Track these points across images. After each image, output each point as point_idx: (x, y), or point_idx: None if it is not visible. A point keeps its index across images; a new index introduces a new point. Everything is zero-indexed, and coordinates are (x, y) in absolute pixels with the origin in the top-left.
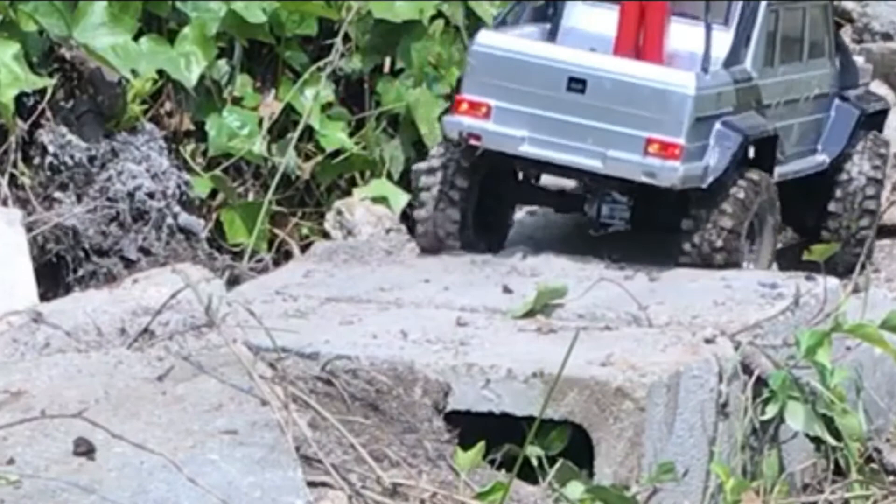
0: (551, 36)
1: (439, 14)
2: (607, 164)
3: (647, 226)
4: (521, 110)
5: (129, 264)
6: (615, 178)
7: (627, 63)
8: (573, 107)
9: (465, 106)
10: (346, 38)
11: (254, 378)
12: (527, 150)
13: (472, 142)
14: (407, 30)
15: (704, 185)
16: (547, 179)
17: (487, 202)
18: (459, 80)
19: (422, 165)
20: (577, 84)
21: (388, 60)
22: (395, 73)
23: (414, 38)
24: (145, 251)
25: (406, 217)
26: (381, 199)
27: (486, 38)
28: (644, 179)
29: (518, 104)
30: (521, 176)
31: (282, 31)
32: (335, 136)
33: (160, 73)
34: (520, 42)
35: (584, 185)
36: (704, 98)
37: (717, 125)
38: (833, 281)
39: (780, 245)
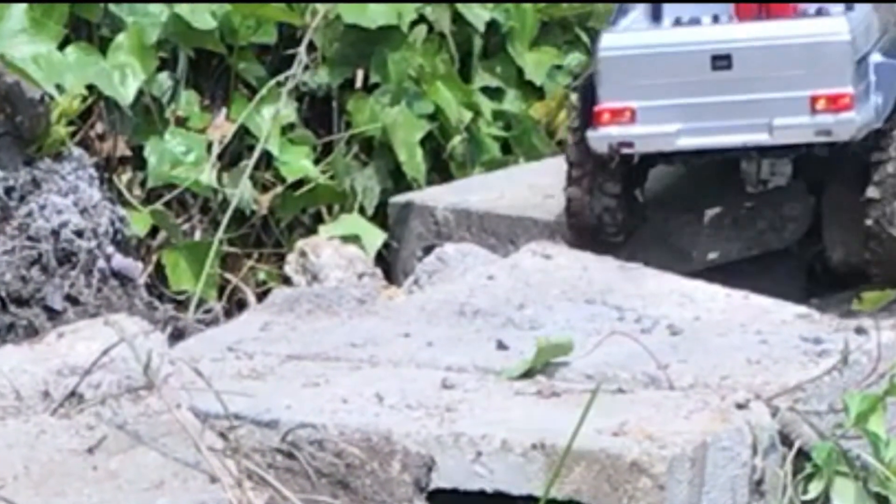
0: (656, 16)
1: (422, 19)
2: (775, 134)
3: (809, 181)
4: (668, 104)
5: (54, 315)
6: (785, 146)
7: (767, 25)
8: (723, 85)
9: (606, 116)
10: (311, 47)
11: (201, 450)
12: (685, 142)
13: (625, 150)
14: (383, 37)
15: (880, 125)
16: None
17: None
18: (586, 89)
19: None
20: (721, 61)
21: (360, 74)
22: (368, 89)
23: (391, 47)
24: (73, 300)
25: (381, 259)
26: (353, 238)
27: (612, 41)
28: (819, 139)
29: (663, 98)
30: None
31: (234, 39)
32: (298, 163)
33: (90, 88)
34: (648, 35)
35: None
36: (858, 37)
37: (873, 59)
38: (889, 335)
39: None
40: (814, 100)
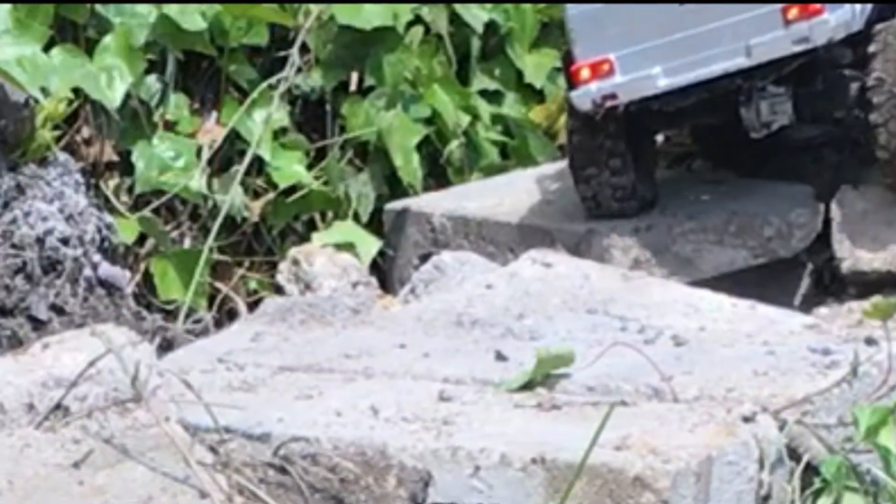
0: None
1: (418, 20)
2: (753, 54)
3: (813, 116)
4: (644, 48)
5: (39, 325)
6: (767, 66)
7: None
8: (694, 17)
9: (585, 72)
10: (304, 48)
11: (191, 464)
12: (667, 83)
13: (609, 103)
14: (378, 39)
15: (861, 26)
16: None
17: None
18: (565, 56)
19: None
20: None
21: (354, 76)
22: (363, 92)
23: (387, 48)
24: (58, 309)
25: (376, 267)
26: (347, 246)
27: None
28: (798, 48)
29: (638, 44)
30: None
31: (225, 40)
32: (290, 168)
33: (76, 91)
34: None
35: (735, 89)
36: None
37: None
38: None
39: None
40: (785, 10)
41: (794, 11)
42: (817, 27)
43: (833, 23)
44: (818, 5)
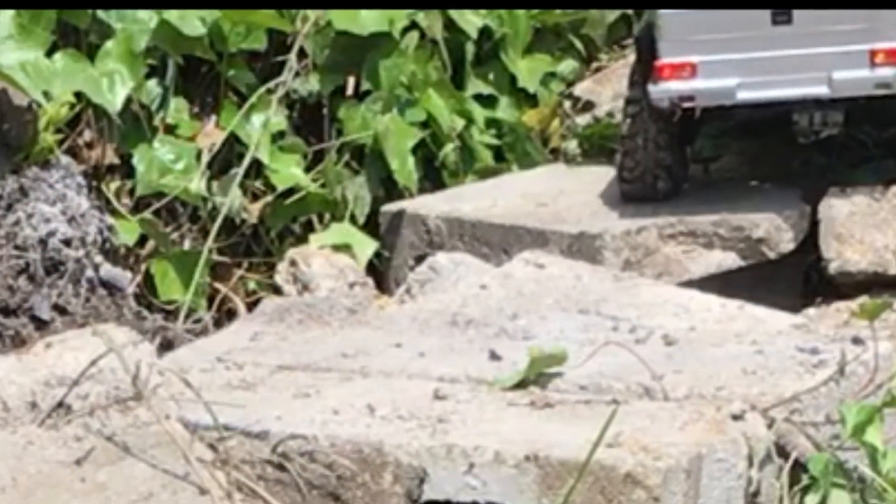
0: None
1: (413, 25)
2: (835, 87)
3: (860, 127)
4: (728, 58)
5: (42, 325)
6: (843, 99)
7: None
8: (782, 40)
9: (667, 71)
10: (302, 53)
11: (191, 462)
12: (745, 96)
13: (686, 104)
14: (374, 44)
15: None
16: None
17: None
18: (647, 44)
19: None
20: (782, 16)
21: (351, 81)
22: (359, 97)
23: (383, 54)
24: (61, 309)
25: (373, 268)
26: (344, 248)
27: None
28: (878, 92)
29: (724, 53)
30: None
31: (224, 45)
32: (288, 171)
33: (78, 95)
34: None
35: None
36: None
37: None
38: (886, 345)
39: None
40: (873, 53)
41: (882, 56)
42: None
43: None
44: None
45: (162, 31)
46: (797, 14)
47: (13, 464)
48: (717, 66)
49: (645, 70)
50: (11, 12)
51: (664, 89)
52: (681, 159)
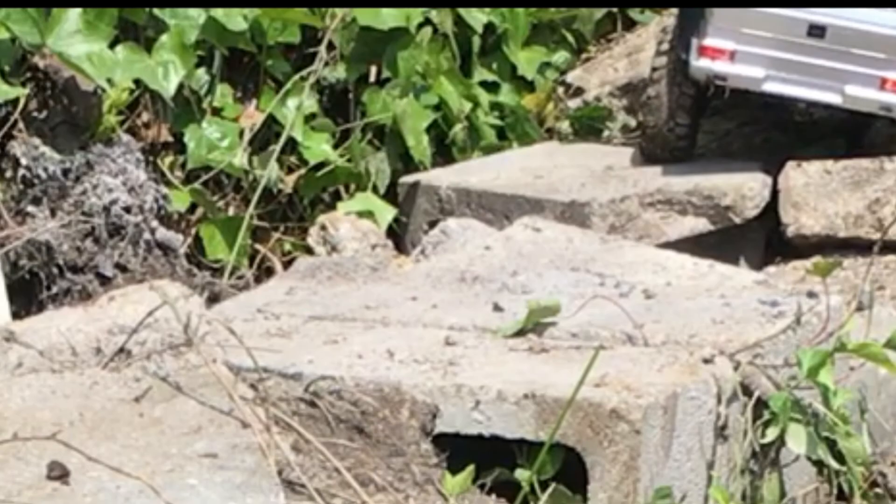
0: None
1: (427, 21)
2: (845, 100)
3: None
4: (763, 53)
5: (105, 281)
6: (849, 110)
7: (863, 11)
8: (812, 49)
9: (710, 52)
10: (331, 46)
11: (234, 399)
12: (769, 87)
13: (718, 82)
14: (393, 38)
15: None
16: None
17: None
18: (690, 25)
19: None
20: (817, 30)
21: (373, 69)
22: (381, 83)
23: (401, 46)
24: (122, 267)
25: (392, 232)
26: (367, 214)
27: None
28: (881, 113)
29: (760, 48)
30: None
31: (263, 39)
32: (319, 147)
33: (137, 82)
34: None
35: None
36: None
37: None
38: (836, 298)
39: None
40: (884, 80)
41: (890, 84)
42: None
43: None
44: None
45: (209, 27)
46: (830, 31)
47: (81, 401)
48: (752, 57)
49: (684, 42)
50: (79, 10)
51: (704, 66)
52: (695, 125)
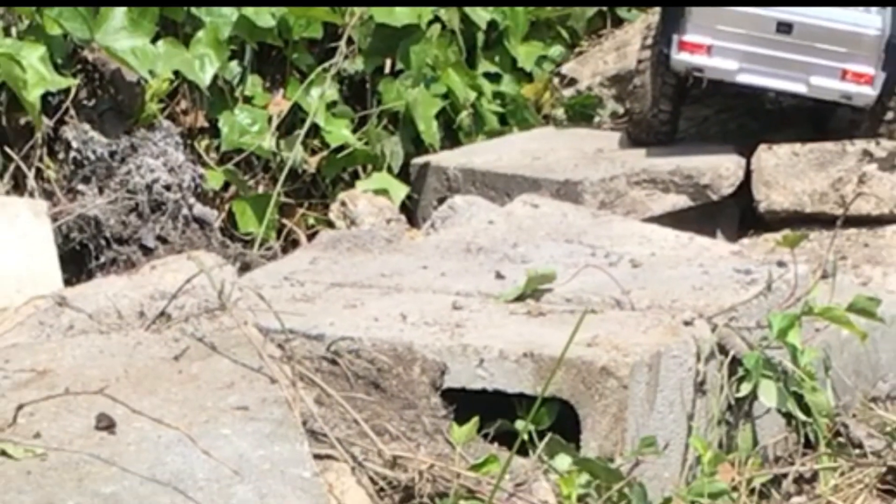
0: None
1: (436, 19)
2: (811, 89)
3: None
4: (736, 48)
5: (148, 252)
6: (814, 98)
7: (826, 9)
8: (781, 45)
9: (689, 47)
10: (350, 41)
11: (263, 358)
12: (742, 78)
13: (696, 74)
14: (406, 34)
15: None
16: None
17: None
18: (671, 22)
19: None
20: (784, 27)
21: (388, 62)
22: (395, 74)
23: (413, 41)
24: (162, 239)
25: (405, 207)
26: (382, 192)
27: None
28: (842, 101)
29: (734, 44)
30: None
31: (289, 34)
32: (339, 132)
33: (176, 73)
34: None
35: None
36: (887, 29)
37: (891, 43)
38: (803, 267)
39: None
40: (844, 72)
41: (850, 75)
42: (861, 96)
43: (874, 95)
44: (870, 78)
45: (241, 23)
46: (796, 28)
47: (125, 360)
48: (727, 51)
49: (666, 38)
50: (124, 9)
51: (684, 59)
52: (676, 112)
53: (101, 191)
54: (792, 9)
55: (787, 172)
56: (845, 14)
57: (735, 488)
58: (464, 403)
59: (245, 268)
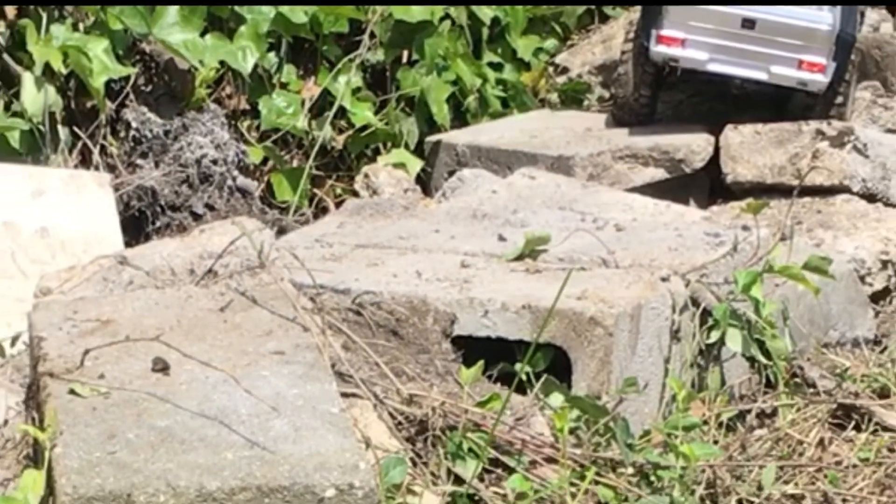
0: None
1: (447, 16)
2: (771, 77)
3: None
4: (707, 41)
5: (197, 217)
6: (774, 85)
7: (785, 8)
8: (745, 38)
9: (665, 40)
10: (372, 35)
11: (297, 309)
12: (712, 67)
13: (672, 64)
14: (421, 28)
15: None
16: None
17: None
18: (650, 19)
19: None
20: (748, 23)
21: (405, 53)
22: (411, 64)
23: (426, 35)
24: (210, 207)
25: (420, 179)
26: (400, 165)
27: None
28: (798, 87)
29: (705, 37)
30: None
31: (320, 29)
32: (363, 114)
33: (222, 63)
34: None
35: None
36: (837, 24)
37: (840, 37)
38: (765, 231)
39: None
40: (800, 62)
41: (806, 65)
42: (816, 82)
43: (826, 82)
44: (822, 67)
45: (278, 20)
46: (759, 24)
47: (178, 311)
48: (698, 44)
49: (646, 32)
50: (177, 7)
51: (661, 51)
52: (655, 96)
53: (156, 165)
54: (755, 7)
55: (750, 149)
56: (801, 12)
57: (705, 422)
58: (470, 349)
59: (281, 231)
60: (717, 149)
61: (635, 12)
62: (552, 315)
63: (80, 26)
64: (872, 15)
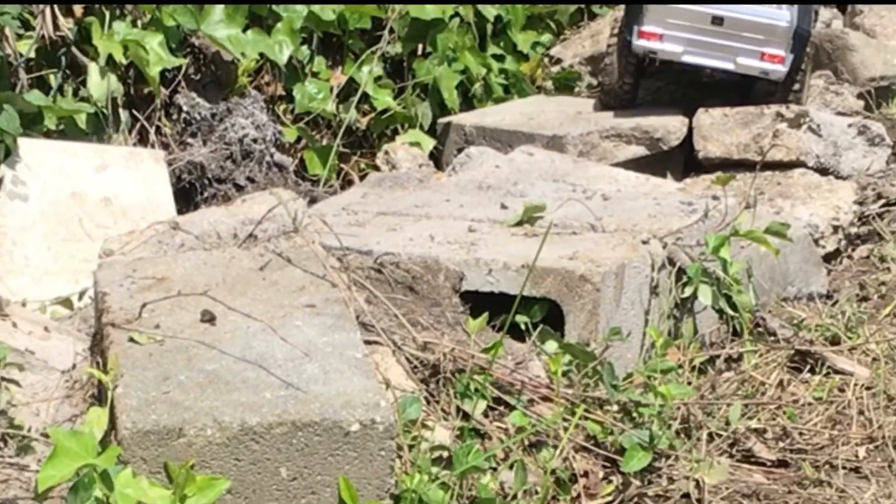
0: None
1: (456, 14)
2: (737, 67)
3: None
4: (681, 36)
5: (239, 188)
6: (740, 74)
7: (749, 7)
8: (715, 33)
9: (646, 35)
10: (391, 30)
11: (326, 268)
12: (686, 59)
13: (651, 56)
14: (434, 25)
15: (789, 70)
16: None
17: (643, 67)
18: (633, 17)
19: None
20: (718, 20)
21: (420, 46)
22: (425, 56)
23: (439, 30)
24: (251, 180)
25: (433, 156)
26: (416, 144)
27: None
28: (761, 76)
29: (680, 32)
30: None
31: (346, 25)
32: (384, 99)
33: (261, 55)
34: None
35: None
36: (795, 20)
37: (797, 32)
38: (732, 200)
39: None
40: (763, 54)
41: (767, 56)
42: (776, 71)
43: (784, 71)
44: (781, 59)
45: (310, 17)
46: (727, 21)
47: (223, 269)
48: (674, 38)
49: (629, 28)
50: (223, 6)
51: (642, 44)
52: (636, 84)
53: (204, 143)
54: (723, 6)
55: (719, 129)
56: (763, 10)
57: (680, 366)
58: (477, 302)
59: (313, 201)
60: (690, 129)
61: (620, 10)
62: (543, 270)
63: (139, 23)
64: (825, 13)
